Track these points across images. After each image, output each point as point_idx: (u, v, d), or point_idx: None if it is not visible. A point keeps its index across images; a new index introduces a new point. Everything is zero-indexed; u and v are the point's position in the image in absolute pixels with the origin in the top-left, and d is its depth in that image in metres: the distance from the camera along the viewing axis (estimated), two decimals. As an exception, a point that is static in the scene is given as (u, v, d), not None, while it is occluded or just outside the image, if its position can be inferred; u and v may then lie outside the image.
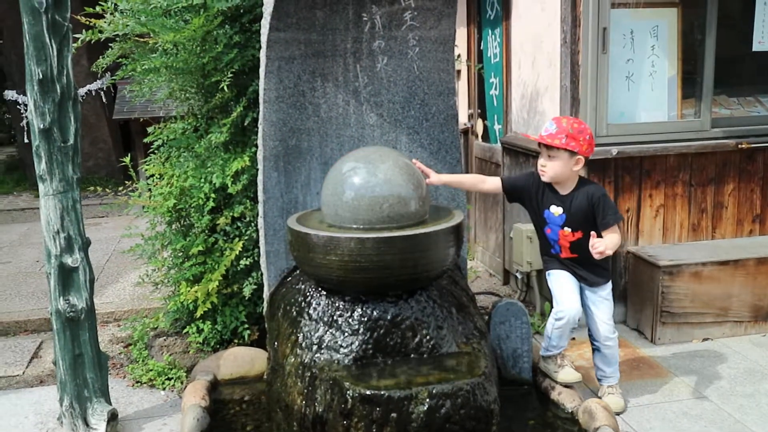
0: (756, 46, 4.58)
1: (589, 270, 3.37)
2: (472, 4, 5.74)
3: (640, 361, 3.96)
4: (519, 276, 4.79)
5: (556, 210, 3.31)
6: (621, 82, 4.35)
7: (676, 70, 4.45)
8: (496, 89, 5.35)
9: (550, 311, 4.35)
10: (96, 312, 3.40)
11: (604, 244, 3.11)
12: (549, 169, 3.26)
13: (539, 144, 3.29)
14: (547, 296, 4.52)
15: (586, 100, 4.17)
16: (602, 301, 3.42)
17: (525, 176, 3.48)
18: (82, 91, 8.80)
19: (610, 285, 3.44)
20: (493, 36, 5.33)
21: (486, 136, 5.70)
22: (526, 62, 4.81)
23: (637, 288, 4.35)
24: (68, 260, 3.22)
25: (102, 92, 9.02)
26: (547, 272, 3.49)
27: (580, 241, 3.30)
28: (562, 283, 3.37)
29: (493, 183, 3.45)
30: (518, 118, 4.98)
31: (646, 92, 4.42)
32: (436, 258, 3.01)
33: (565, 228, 3.30)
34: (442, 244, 3.01)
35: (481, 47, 5.61)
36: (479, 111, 5.80)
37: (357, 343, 2.90)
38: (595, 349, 3.49)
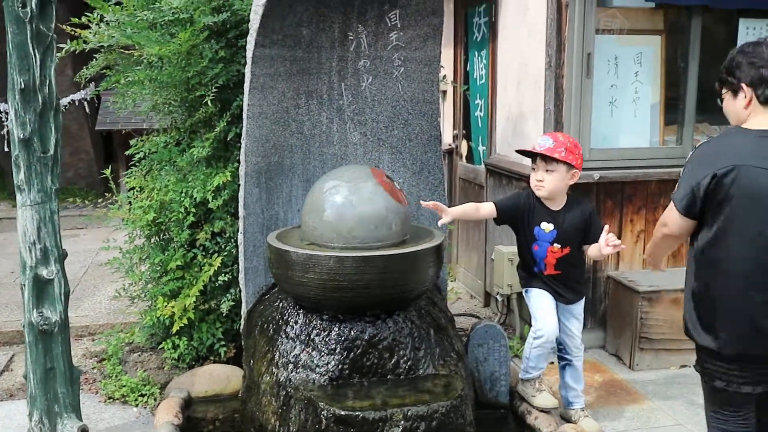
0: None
1: (568, 287, 3.38)
2: (460, 25, 5.78)
3: (618, 387, 3.95)
4: (499, 298, 4.79)
5: (546, 226, 3.31)
6: (604, 108, 4.38)
7: (659, 97, 4.49)
8: (481, 111, 5.37)
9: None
10: (70, 325, 3.34)
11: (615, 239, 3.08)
12: (547, 183, 3.25)
13: (534, 159, 3.29)
14: (527, 319, 4.51)
15: (570, 124, 4.19)
16: (576, 316, 3.45)
17: (515, 196, 3.49)
18: (65, 100, 8.72)
19: (583, 301, 3.48)
20: (479, 58, 5.36)
21: (470, 157, 5.71)
22: (511, 85, 4.83)
23: (616, 313, 4.35)
24: (43, 272, 3.16)
25: (85, 102, 8.96)
26: (525, 289, 3.48)
27: (566, 257, 3.31)
28: (541, 301, 3.36)
29: (487, 209, 3.40)
30: (502, 140, 5.00)
31: (629, 118, 4.45)
32: (416, 278, 3.00)
33: (555, 244, 3.30)
34: (422, 264, 3.00)
35: (468, 68, 5.64)
36: (464, 132, 5.82)
37: (333, 362, 2.88)
38: (566, 365, 3.48)
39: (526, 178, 4.46)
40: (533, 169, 3.32)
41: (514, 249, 4.46)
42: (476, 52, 5.42)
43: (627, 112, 4.44)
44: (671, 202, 2.54)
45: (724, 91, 2.60)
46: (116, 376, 3.90)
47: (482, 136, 5.36)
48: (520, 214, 3.37)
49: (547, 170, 3.25)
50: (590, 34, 4.14)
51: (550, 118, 4.25)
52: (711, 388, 2.55)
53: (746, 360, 2.43)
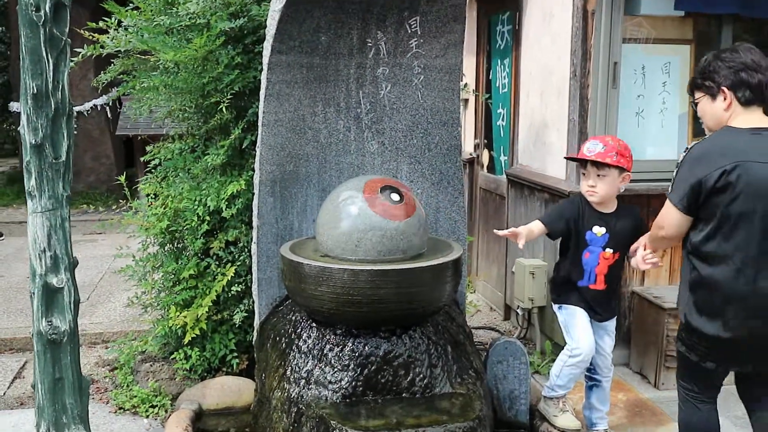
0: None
1: (605, 304, 3.27)
2: (482, 33, 5.68)
3: (643, 407, 3.81)
4: (520, 312, 4.67)
5: (598, 230, 3.19)
6: (631, 118, 4.26)
7: (688, 108, 4.35)
8: (503, 120, 5.27)
9: (551, 350, 4.24)
10: (84, 333, 3.30)
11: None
12: (600, 188, 3.15)
13: (584, 165, 3.18)
14: (548, 334, 4.39)
15: (595, 135, 4.07)
16: (608, 334, 3.33)
17: (559, 206, 3.39)
18: (87, 105, 8.76)
19: (615, 318, 3.37)
20: (502, 66, 5.26)
21: (492, 167, 5.60)
22: (534, 94, 4.73)
23: (641, 330, 4.22)
24: (53, 280, 3.11)
25: (107, 107, 8.98)
26: (559, 306, 3.33)
27: (615, 264, 3.21)
28: (578, 319, 3.24)
29: (538, 227, 3.25)
30: (524, 150, 4.89)
31: (656, 129, 4.33)
32: (433, 293, 2.90)
33: (607, 249, 3.18)
34: (440, 279, 2.90)
35: (490, 77, 5.54)
36: (486, 141, 5.72)
37: (347, 379, 2.79)
38: (594, 386, 3.36)
39: (548, 189, 4.36)
40: (583, 174, 3.21)
41: (536, 262, 4.38)
42: (499, 61, 5.32)
43: (654, 123, 4.32)
44: (667, 204, 2.64)
45: (698, 95, 2.71)
46: (127, 386, 3.84)
47: (504, 145, 5.25)
48: (572, 221, 3.23)
49: (599, 175, 3.14)
50: (617, 42, 4.03)
51: (574, 128, 4.14)
52: (688, 360, 2.71)
53: (746, 342, 2.55)
